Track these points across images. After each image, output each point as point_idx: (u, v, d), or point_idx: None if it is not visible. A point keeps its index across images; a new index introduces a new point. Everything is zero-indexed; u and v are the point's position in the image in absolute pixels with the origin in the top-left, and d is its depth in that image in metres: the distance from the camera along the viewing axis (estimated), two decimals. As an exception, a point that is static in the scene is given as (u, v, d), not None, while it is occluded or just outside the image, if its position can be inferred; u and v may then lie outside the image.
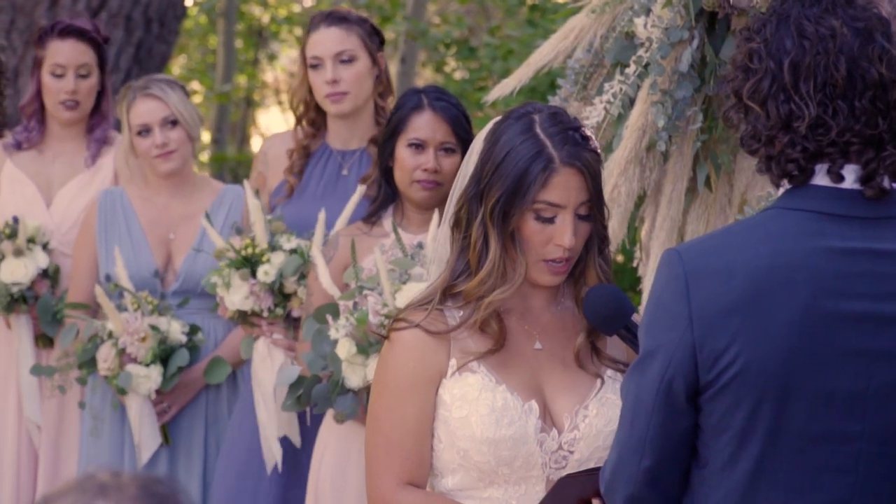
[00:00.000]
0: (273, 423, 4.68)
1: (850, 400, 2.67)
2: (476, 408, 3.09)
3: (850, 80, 2.68)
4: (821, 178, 2.71)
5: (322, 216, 4.64)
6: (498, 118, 3.21)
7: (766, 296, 2.65)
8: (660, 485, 2.77)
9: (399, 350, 3.15)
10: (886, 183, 2.71)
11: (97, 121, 5.52)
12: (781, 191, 2.76)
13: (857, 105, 2.68)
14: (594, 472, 3.02)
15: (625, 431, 2.77)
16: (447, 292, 3.17)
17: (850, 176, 2.70)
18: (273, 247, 4.72)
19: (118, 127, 6.30)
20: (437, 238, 3.35)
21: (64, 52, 5.40)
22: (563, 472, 3.12)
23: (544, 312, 3.23)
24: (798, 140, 2.69)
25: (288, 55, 14.97)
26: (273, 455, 4.75)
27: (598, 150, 3.17)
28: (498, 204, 3.10)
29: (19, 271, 5.24)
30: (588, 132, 3.16)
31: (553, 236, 3.11)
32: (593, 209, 3.14)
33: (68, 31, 5.41)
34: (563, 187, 3.09)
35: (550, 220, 3.10)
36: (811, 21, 2.70)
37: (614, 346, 3.24)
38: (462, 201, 3.17)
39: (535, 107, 3.18)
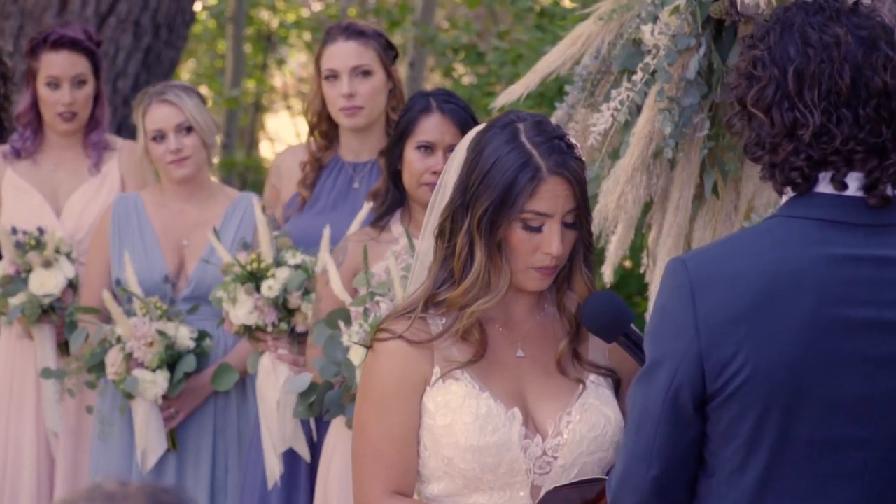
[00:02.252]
0: (275, 439, 4.69)
1: (857, 406, 2.67)
2: (460, 415, 3.11)
3: (855, 89, 2.68)
4: (824, 186, 2.72)
5: (327, 231, 4.65)
6: (480, 127, 3.22)
7: (772, 303, 2.66)
8: (667, 494, 2.77)
9: (383, 360, 3.16)
10: (889, 191, 2.72)
11: (92, 126, 5.53)
12: (785, 198, 2.77)
13: (862, 113, 2.68)
14: (580, 484, 3.04)
15: (631, 441, 2.77)
16: (430, 301, 3.19)
17: (854, 184, 2.71)
18: (278, 262, 4.73)
19: (119, 131, 6.31)
20: (421, 247, 3.36)
21: (58, 64, 5.41)
22: (548, 478, 3.14)
23: (527, 320, 3.25)
24: (802, 148, 2.70)
25: (297, 60, 14.98)
26: (274, 471, 4.76)
27: (583, 158, 3.19)
28: (486, 214, 3.11)
29: (50, 282, 5.26)
30: (573, 140, 3.17)
31: (541, 245, 3.12)
32: (580, 217, 3.15)
33: (61, 43, 5.41)
34: (550, 196, 3.10)
35: (538, 230, 3.12)
36: (815, 29, 2.70)
37: (595, 350, 3.25)
38: (447, 212, 3.18)
39: (518, 115, 3.19)
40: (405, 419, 3.14)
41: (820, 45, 2.69)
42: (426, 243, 3.30)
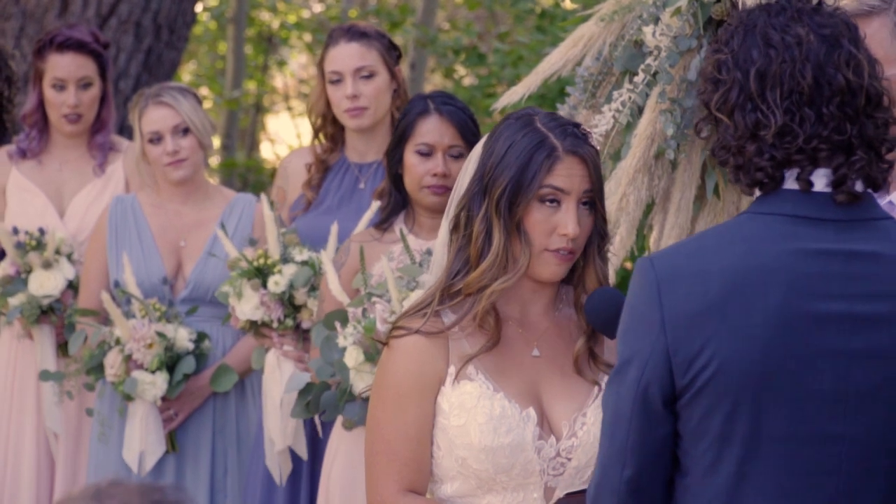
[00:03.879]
0: (280, 435, 4.69)
1: (830, 401, 2.66)
2: (474, 416, 3.11)
3: (817, 87, 2.68)
4: (791, 184, 2.72)
5: (334, 229, 4.67)
6: (496, 125, 3.24)
7: (740, 297, 2.65)
8: (643, 495, 2.75)
9: (399, 357, 3.16)
10: (859, 187, 2.71)
11: (97, 127, 5.53)
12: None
13: (825, 111, 2.68)
14: None
15: (606, 442, 2.76)
16: (445, 293, 3.19)
17: (821, 181, 2.71)
18: (285, 259, 4.74)
19: (121, 131, 6.32)
20: (437, 243, 3.36)
21: (64, 66, 5.41)
22: (561, 480, 3.14)
23: (543, 319, 3.25)
24: (766, 148, 2.70)
25: (297, 61, 14.98)
26: (280, 467, 4.76)
27: (597, 147, 3.20)
28: (504, 195, 3.12)
29: (49, 283, 5.26)
30: (587, 129, 3.19)
31: (558, 226, 3.13)
32: (595, 201, 3.16)
33: (67, 45, 5.40)
34: (567, 174, 3.13)
35: (556, 203, 3.12)
36: (777, 30, 2.70)
37: (611, 352, 3.25)
38: (463, 202, 3.19)
39: (533, 110, 3.23)
40: (420, 417, 3.14)
41: (782, 46, 2.69)
42: (440, 241, 3.30)
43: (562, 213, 3.13)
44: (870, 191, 2.74)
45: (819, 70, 2.68)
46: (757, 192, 2.76)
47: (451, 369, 3.15)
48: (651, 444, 2.72)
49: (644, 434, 2.72)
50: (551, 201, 3.13)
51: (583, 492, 3.06)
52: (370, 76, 4.98)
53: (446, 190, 4.45)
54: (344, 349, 4.22)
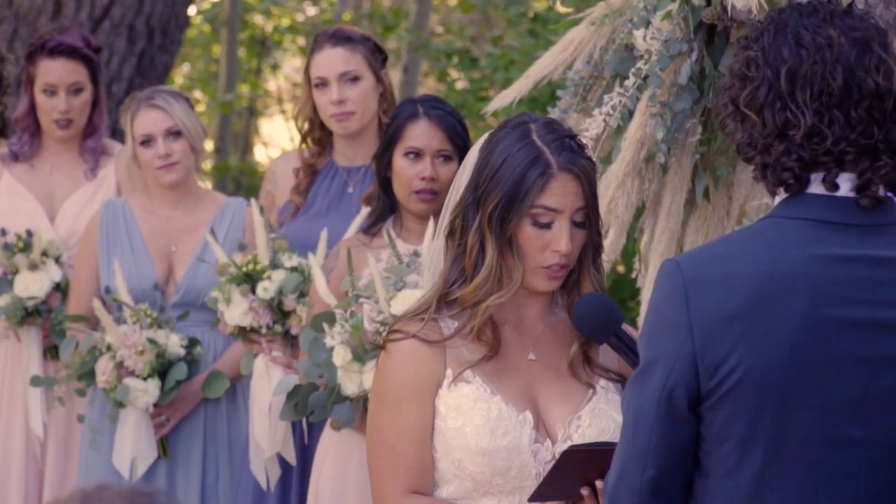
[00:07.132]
0: (267, 441, 4.68)
1: (852, 406, 2.68)
2: (471, 418, 3.11)
3: (847, 90, 2.69)
4: (816, 187, 2.73)
5: (324, 235, 4.66)
6: (493, 129, 3.23)
7: (767, 303, 2.66)
8: (663, 495, 2.77)
9: (396, 360, 3.16)
10: (881, 192, 2.73)
11: (89, 132, 5.51)
12: (778, 199, 2.78)
13: (853, 115, 2.69)
14: (596, 447, 2.99)
15: (627, 443, 2.77)
16: (442, 300, 3.19)
17: (846, 185, 2.72)
18: (275, 264, 4.73)
19: (114, 135, 6.32)
20: (432, 247, 3.36)
21: (55, 72, 5.40)
22: None
23: (538, 323, 3.25)
24: (793, 148, 2.71)
25: (291, 64, 14.97)
26: (269, 472, 4.75)
27: (594, 159, 3.19)
28: (496, 210, 3.12)
29: (34, 285, 5.24)
30: (583, 141, 3.18)
31: (550, 242, 3.13)
32: (589, 216, 3.16)
33: (59, 50, 5.39)
34: (560, 192, 3.11)
35: (548, 226, 3.12)
36: (809, 30, 2.71)
37: (606, 355, 3.26)
38: (458, 210, 3.19)
39: (530, 117, 3.21)
40: (421, 420, 3.15)
41: (813, 47, 2.70)
42: (436, 245, 3.30)
43: (554, 231, 3.12)
44: (890, 194, 2.76)
45: (849, 73, 2.69)
46: (780, 193, 2.77)
47: (449, 372, 3.15)
48: (674, 446, 2.74)
49: (668, 436, 2.73)
50: (544, 224, 3.12)
51: (588, 448, 3.02)
52: (355, 80, 4.98)
53: (434, 194, 4.46)
54: (331, 349, 4.22)
